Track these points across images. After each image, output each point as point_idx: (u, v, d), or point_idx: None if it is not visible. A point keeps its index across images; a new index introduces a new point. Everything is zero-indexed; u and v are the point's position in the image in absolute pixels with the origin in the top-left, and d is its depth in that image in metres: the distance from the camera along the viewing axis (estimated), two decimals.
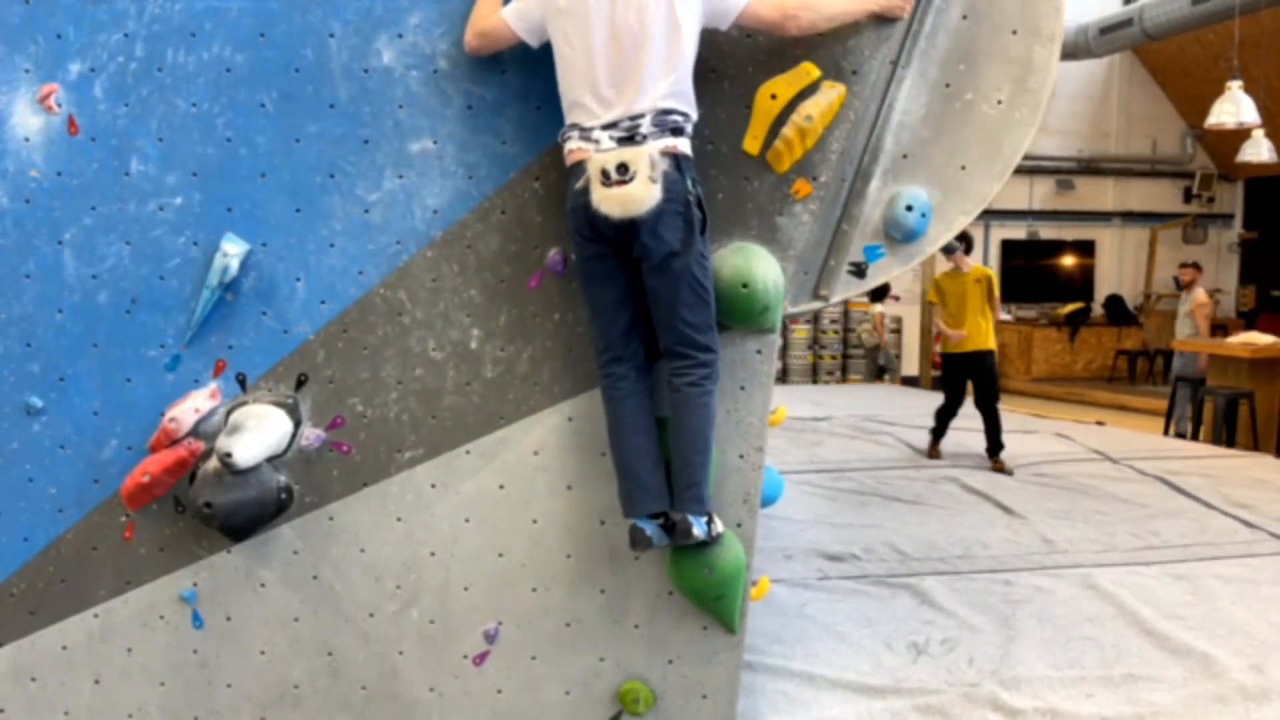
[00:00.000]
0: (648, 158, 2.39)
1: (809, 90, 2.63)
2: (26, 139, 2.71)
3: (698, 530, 2.55)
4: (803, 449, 7.35)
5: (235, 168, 2.71)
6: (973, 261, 6.92)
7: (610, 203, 2.40)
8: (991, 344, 6.67)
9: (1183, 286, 9.43)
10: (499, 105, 2.69)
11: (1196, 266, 9.50)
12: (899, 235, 2.72)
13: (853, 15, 2.56)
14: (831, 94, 2.63)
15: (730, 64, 2.65)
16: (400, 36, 2.67)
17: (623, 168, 2.39)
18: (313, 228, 2.73)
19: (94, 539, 2.80)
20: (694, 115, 2.51)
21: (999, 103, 2.68)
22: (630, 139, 2.41)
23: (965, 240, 6.60)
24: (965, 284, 6.66)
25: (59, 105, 2.70)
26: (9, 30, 2.68)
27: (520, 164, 2.71)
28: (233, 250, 2.69)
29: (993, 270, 7.05)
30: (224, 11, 2.67)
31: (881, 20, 2.60)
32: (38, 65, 2.69)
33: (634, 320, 2.59)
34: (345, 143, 2.70)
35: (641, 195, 2.38)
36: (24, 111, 2.70)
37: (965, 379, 6.73)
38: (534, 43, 2.54)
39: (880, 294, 10.94)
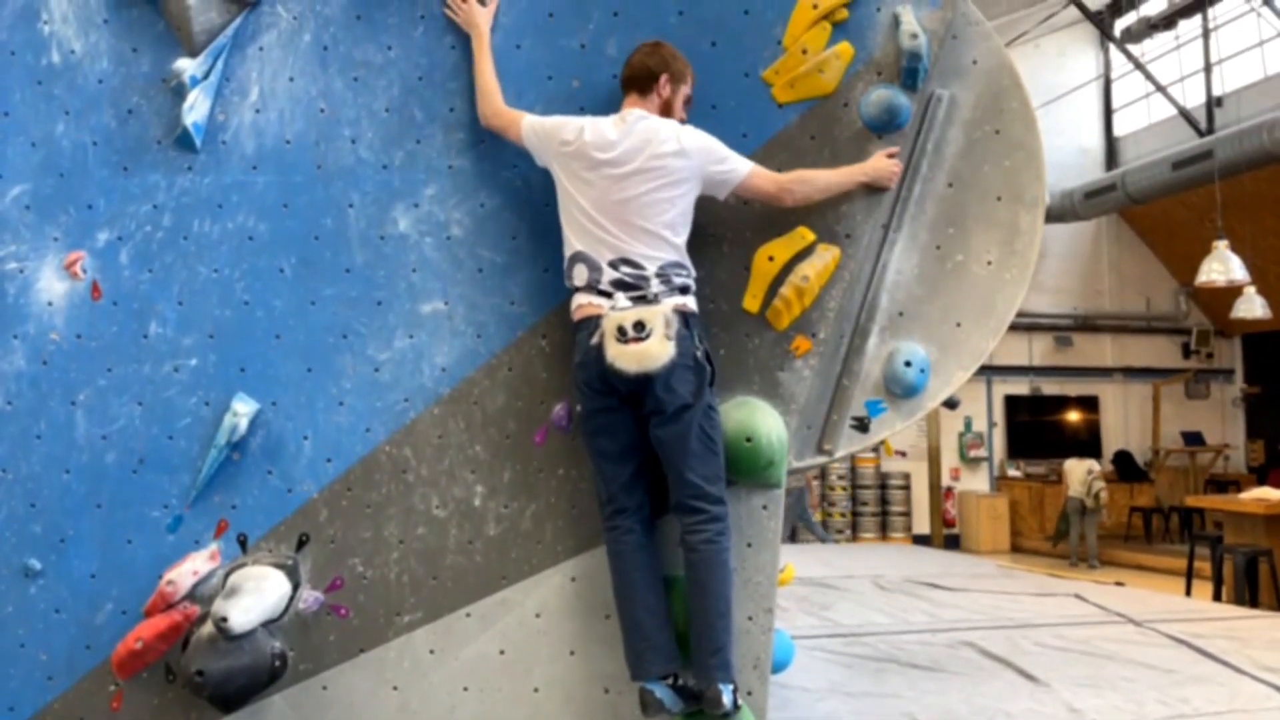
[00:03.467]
0: (663, 316, 2.47)
1: (805, 252, 2.73)
2: (50, 303, 2.80)
3: (727, 699, 2.43)
4: (813, 612, 7.13)
5: (251, 329, 2.79)
6: None
7: (626, 359, 2.45)
8: None
9: None
10: (509, 268, 2.79)
11: None
12: (899, 391, 2.75)
13: (844, 186, 2.71)
14: (826, 255, 2.73)
15: (728, 228, 2.76)
16: (416, 206, 2.81)
17: (639, 325, 2.46)
18: (323, 386, 2.77)
19: (81, 709, 2.69)
20: (694, 273, 2.60)
21: (989, 263, 2.78)
22: (643, 297, 2.49)
23: None
24: None
25: (84, 271, 2.81)
26: (42, 201, 2.83)
27: (528, 323, 2.78)
28: (243, 409, 2.73)
29: None
30: (250, 184, 2.82)
31: (872, 189, 2.73)
32: (67, 234, 2.82)
33: (638, 472, 2.59)
34: (359, 304, 2.79)
35: (658, 352, 2.44)
36: (49, 277, 2.81)
37: None
38: (539, 163, 2.69)
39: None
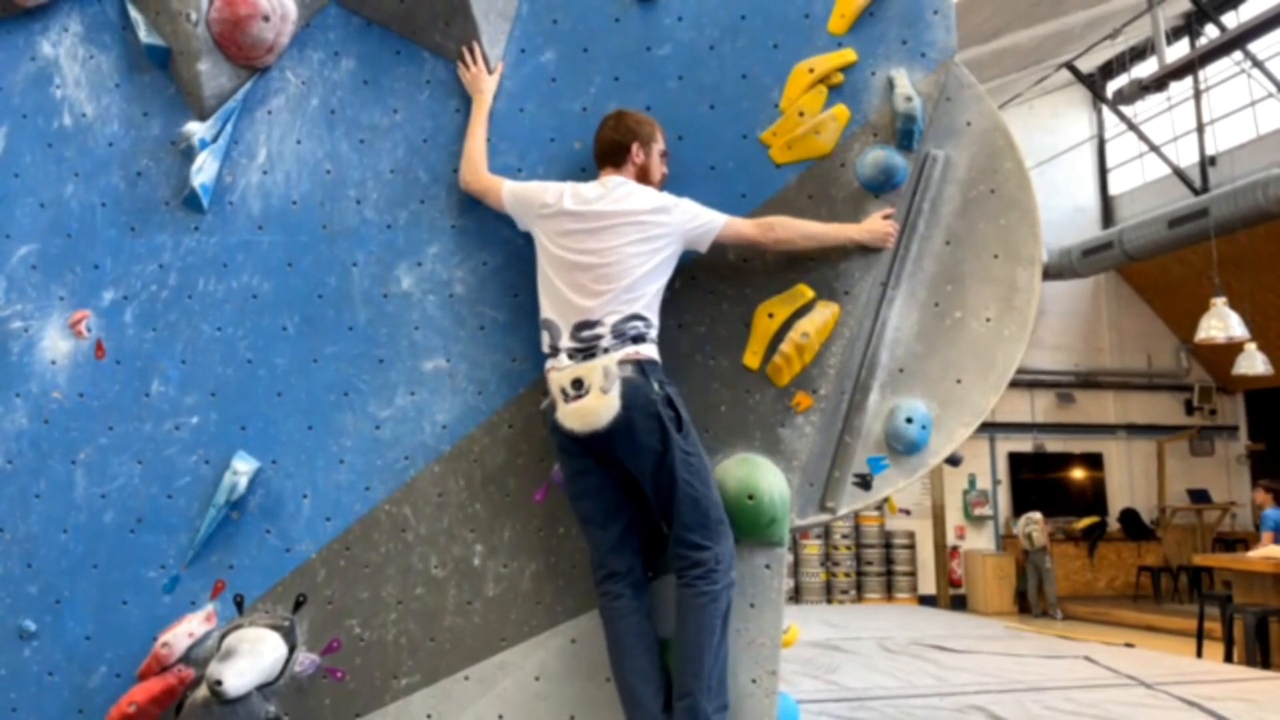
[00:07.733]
0: (600, 370, 2.46)
1: (805, 309, 2.75)
2: (53, 362, 2.81)
3: None
4: (818, 675, 7.00)
5: (253, 387, 2.79)
6: None
7: (571, 418, 2.47)
8: None
9: None
10: (511, 325, 2.81)
11: None
12: (901, 447, 2.75)
13: (834, 240, 2.72)
14: (826, 312, 2.74)
15: (728, 286, 2.79)
16: (419, 265, 2.83)
17: (577, 383, 2.47)
18: (324, 444, 2.77)
19: None
20: (655, 323, 2.59)
21: (988, 320, 2.79)
22: (591, 354, 2.50)
23: None
24: None
25: (88, 330, 2.83)
26: (49, 261, 2.86)
27: (530, 380, 2.79)
28: (243, 468, 2.72)
29: None
30: (256, 244, 2.85)
31: (868, 248, 2.75)
32: (72, 293, 2.84)
33: (625, 534, 2.57)
34: (361, 362, 2.80)
35: (595, 407, 2.44)
36: (54, 336, 2.82)
37: None
38: (521, 228, 2.73)
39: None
